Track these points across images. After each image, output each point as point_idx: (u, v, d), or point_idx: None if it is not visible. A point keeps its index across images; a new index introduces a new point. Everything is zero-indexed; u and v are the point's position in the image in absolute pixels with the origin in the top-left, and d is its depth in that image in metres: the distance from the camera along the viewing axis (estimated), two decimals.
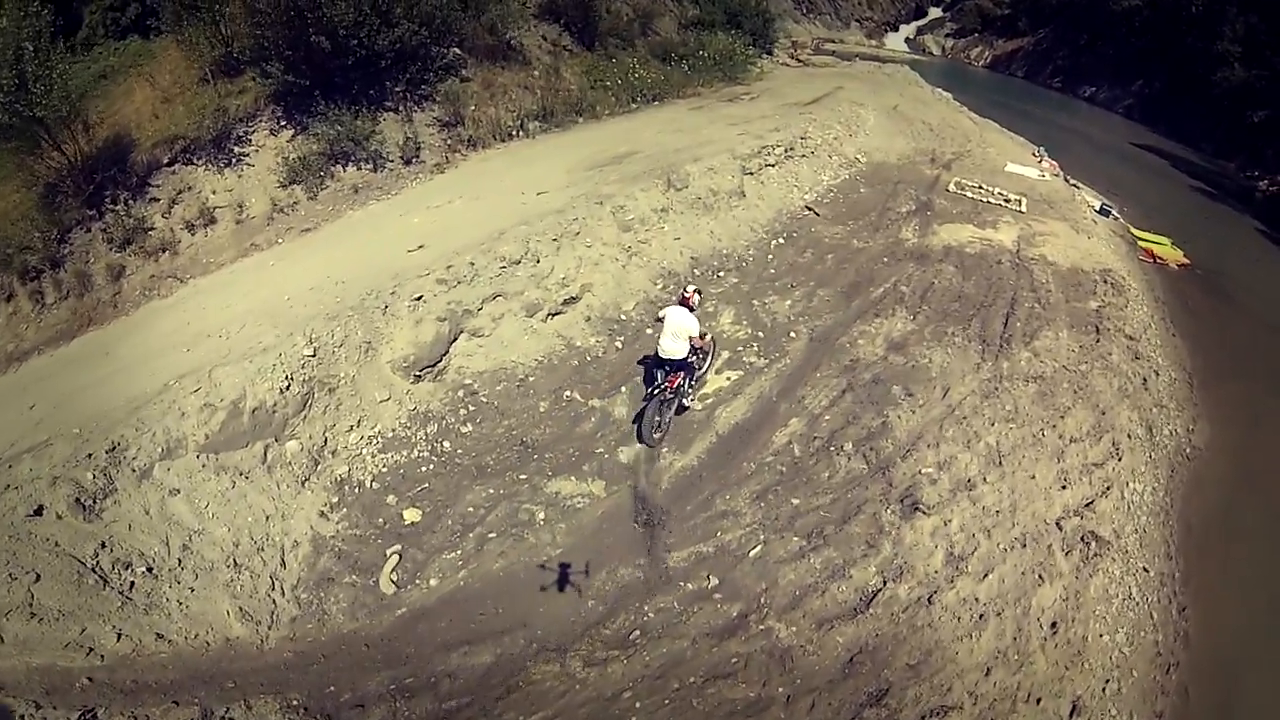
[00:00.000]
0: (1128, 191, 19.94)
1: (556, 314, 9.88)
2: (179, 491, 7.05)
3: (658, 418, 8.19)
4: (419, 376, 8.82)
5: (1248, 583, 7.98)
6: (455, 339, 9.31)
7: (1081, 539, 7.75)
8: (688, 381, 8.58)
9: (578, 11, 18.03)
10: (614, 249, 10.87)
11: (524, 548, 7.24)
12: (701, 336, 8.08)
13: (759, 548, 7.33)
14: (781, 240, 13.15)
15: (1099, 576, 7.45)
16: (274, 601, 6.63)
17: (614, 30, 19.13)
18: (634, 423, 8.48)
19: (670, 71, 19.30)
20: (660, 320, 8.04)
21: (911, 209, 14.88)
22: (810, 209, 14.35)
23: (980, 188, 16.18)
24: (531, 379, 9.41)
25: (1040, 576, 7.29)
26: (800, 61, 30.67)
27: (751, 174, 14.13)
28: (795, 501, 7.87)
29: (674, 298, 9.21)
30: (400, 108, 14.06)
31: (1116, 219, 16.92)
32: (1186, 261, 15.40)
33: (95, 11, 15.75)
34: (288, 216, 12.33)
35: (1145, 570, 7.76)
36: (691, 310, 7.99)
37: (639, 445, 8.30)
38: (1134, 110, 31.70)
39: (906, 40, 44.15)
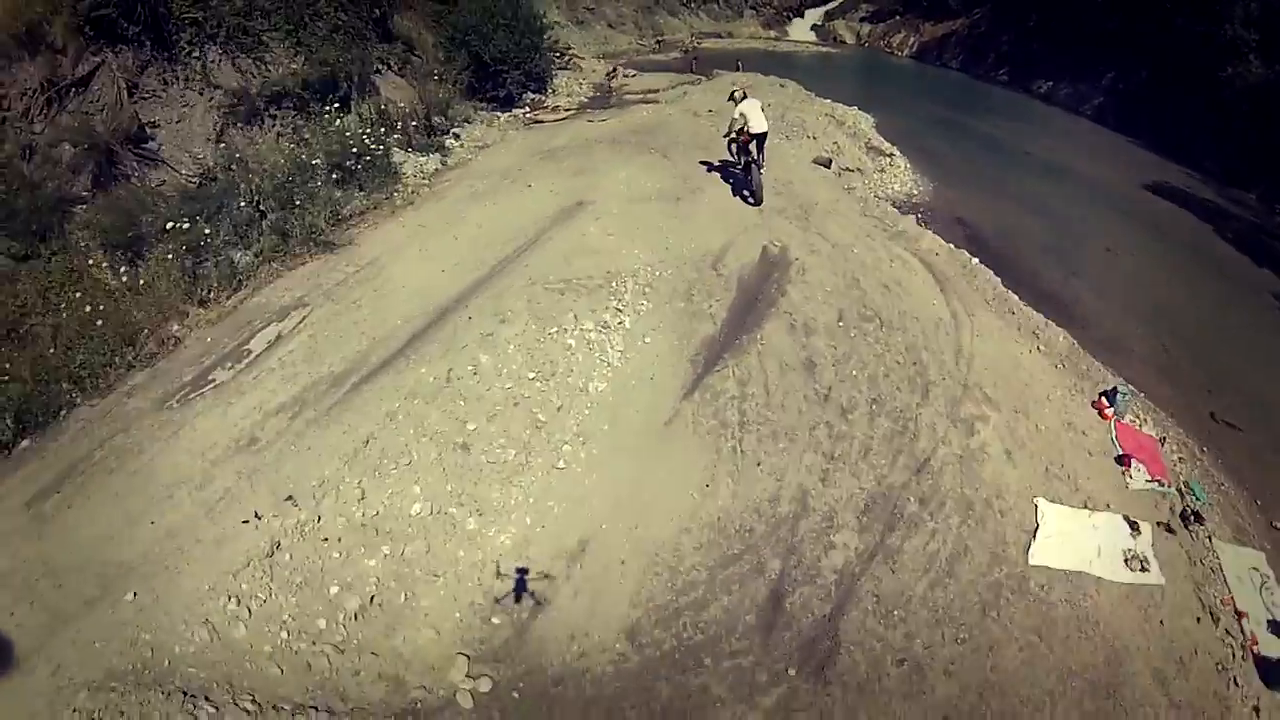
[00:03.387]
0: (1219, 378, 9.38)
1: None
2: None
3: (759, 179, 11.03)
4: None
5: None
6: None
7: None
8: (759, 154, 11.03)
9: None
10: None
11: None
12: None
13: None
14: None
15: None
16: None
17: None
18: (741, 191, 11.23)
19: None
20: (743, 114, 10.57)
21: None
22: None
23: None
24: None
25: None
26: (608, 90, 19.55)
27: None
28: None
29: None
30: None
31: None
32: None
33: None
34: None
35: None
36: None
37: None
38: (1106, 113, 23.93)
39: (814, 28, 35.61)
